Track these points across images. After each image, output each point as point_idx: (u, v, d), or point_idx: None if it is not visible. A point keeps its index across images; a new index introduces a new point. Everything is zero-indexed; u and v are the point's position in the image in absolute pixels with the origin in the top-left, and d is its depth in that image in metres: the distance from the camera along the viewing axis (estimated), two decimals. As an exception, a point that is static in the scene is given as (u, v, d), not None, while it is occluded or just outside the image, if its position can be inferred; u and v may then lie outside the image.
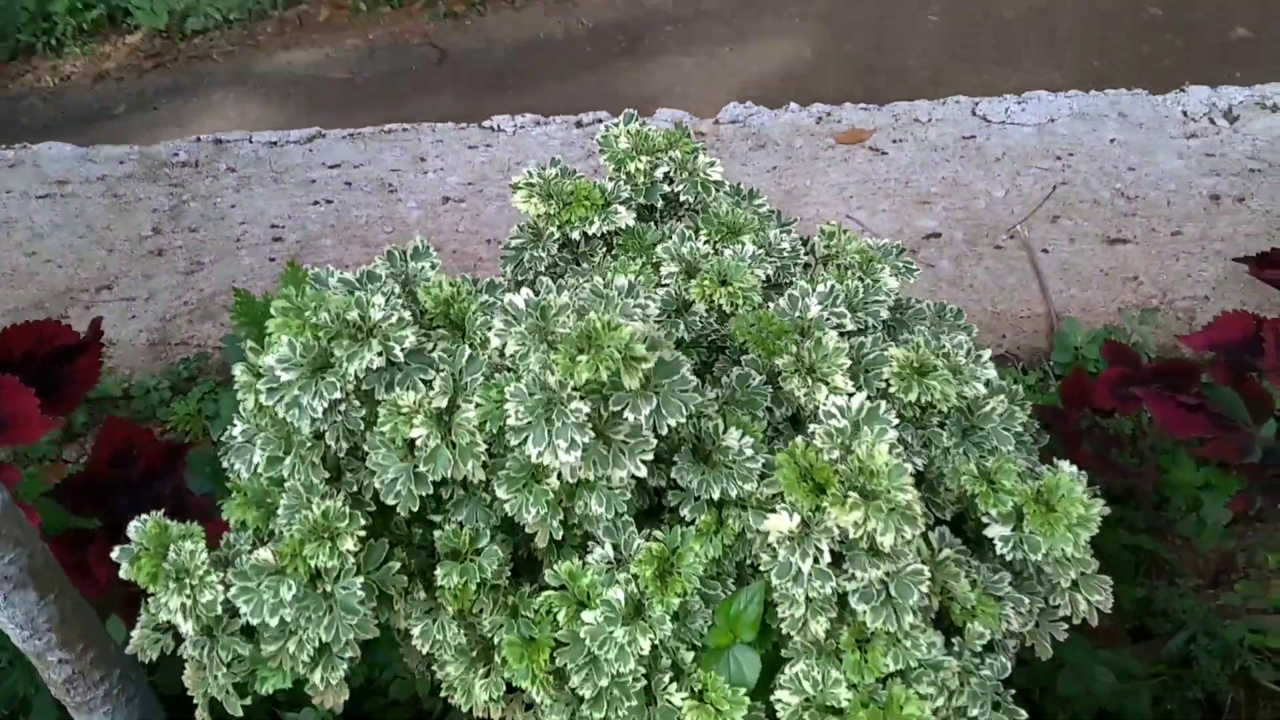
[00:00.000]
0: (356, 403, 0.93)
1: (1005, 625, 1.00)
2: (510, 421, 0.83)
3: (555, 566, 0.96)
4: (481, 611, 1.00)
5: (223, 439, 1.01)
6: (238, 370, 0.98)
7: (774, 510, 0.92)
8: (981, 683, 0.99)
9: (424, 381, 0.91)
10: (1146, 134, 2.99)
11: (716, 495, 0.94)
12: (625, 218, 1.09)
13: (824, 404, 0.92)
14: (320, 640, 0.94)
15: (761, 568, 0.92)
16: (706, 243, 1.10)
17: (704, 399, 0.95)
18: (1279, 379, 1.66)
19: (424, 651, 1.01)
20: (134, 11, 4.21)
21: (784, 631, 0.96)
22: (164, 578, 0.95)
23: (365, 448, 0.92)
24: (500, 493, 0.91)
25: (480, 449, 0.89)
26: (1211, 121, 3.03)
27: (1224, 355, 1.77)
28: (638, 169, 1.12)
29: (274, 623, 0.93)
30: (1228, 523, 2.02)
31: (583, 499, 0.91)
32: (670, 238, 1.10)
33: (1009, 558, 0.98)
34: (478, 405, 0.89)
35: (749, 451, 0.94)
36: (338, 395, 0.90)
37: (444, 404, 0.90)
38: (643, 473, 0.88)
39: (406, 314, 0.92)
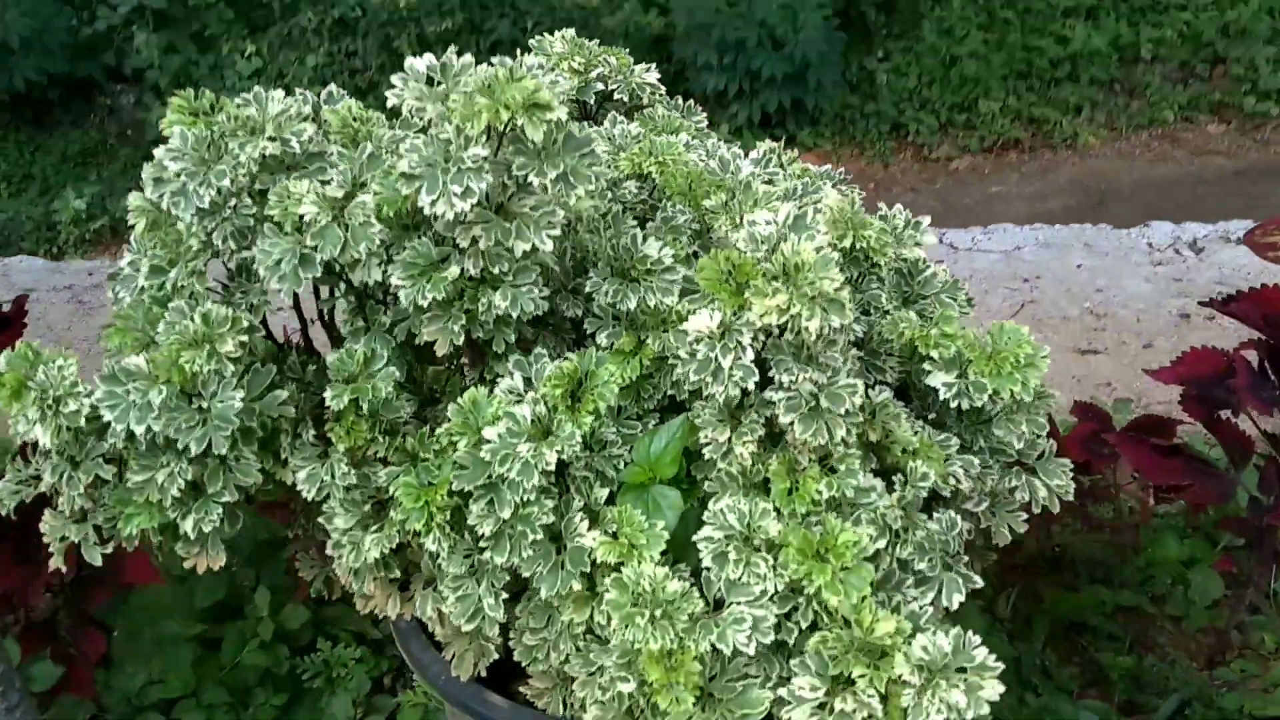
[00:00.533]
0: (249, 201, 0.87)
1: (954, 483, 0.91)
2: (402, 168, 0.77)
3: (459, 400, 0.87)
4: (375, 454, 0.91)
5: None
6: (133, 199, 0.93)
7: (697, 329, 0.85)
8: (929, 536, 0.89)
9: (322, 183, 0.85)
10: (1113, 261, 3.04)
11: (633, 305, 0.87)
12: (558, 112, 1.07)
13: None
14: (189, 463, 0.85)
15: (678, 371, 0.83)
16: (639, 133, 1.07)
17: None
18: (1252, 401, 1.59)
19: (310, 497, 0.90)
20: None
21: (706, 456, 0.87)
22: (27, 394, 0.87)
23: (255, 254, 0.85)
24: (396, 278, 0.83)
25: (375, 231, 0.82)
26: (1177, 252, 3.08)
27: (1195, 390, 1.71)
28: (573, 68, 1.11)
29: (141, 430, 0.83)
30: (1217, 599, 1.90)
31: (485, 297, 0.84)
32: (600, 125, 1.07)
33: (953, 404, 0.90)
34: (375, 192, 0.83)
35: (668, 261, 0.88)
36: (227, 183, 0.85)
37: (340, 195, 0.84)
38: (548, 246, 0.81)
39: (308, 109, 0.88)
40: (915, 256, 0.97)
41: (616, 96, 1.11)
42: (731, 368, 0.81)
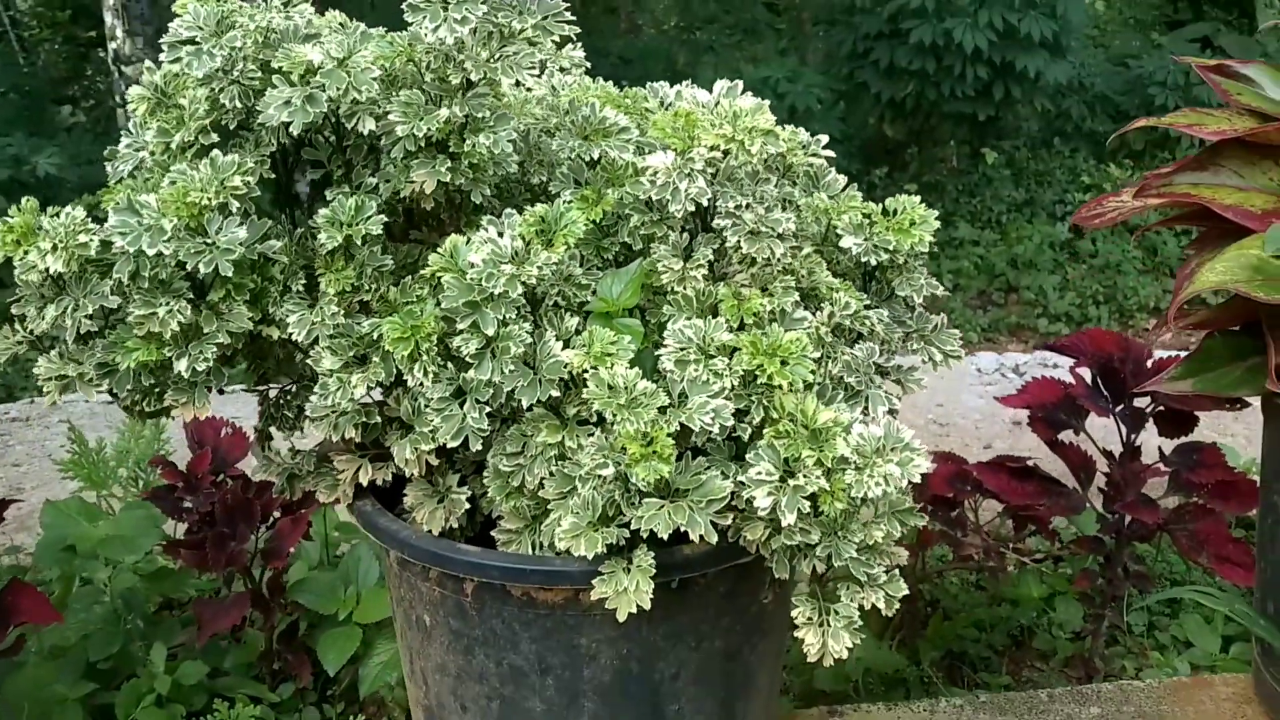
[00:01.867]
0: (254, 67, 0.98)
1: (869, 324, 1.06)
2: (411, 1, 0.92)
3: (438, 249, 0.98)
4: (360, 301, 0.99)
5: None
6: (133, 91, 1.03)
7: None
8: (854, 358, 1.03)
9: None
10: (949, 383, 3.33)
11: (596, 155, 1.01)
12: None
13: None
14: (188, 303, 0.92)
15: (634, 220, 0.97)
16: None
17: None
18: (1091, 405, 1.80)
19: (300, 338, 0.98)
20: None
21: (665, 285, 0.99)
22: (37, 235, 0.93)
23: (262, 105, 0.96)
24: (394, 116, 0.95)
25: (373, 76, 0.95)
26: (1002, 375, 3.41)
27: (1041, 413, 1.92)
28: None
29: (152, 252, 0.90)
30: (1079, 630, 2.05)
31: (471, 138, 0.97)
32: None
33: (863, 260, 1.06)
34: (374, 49, 0.96)
35: (624, 123, 1.03)
36: (239, 45, 0.96)
37: (341, 55, 0.96)
38: (528, 83, 0.95)
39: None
40: (820, 163, 1.15)
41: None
42: (687, 188, 0.95)
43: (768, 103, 0.99)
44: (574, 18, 1.01)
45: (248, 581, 1.77)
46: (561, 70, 1.25)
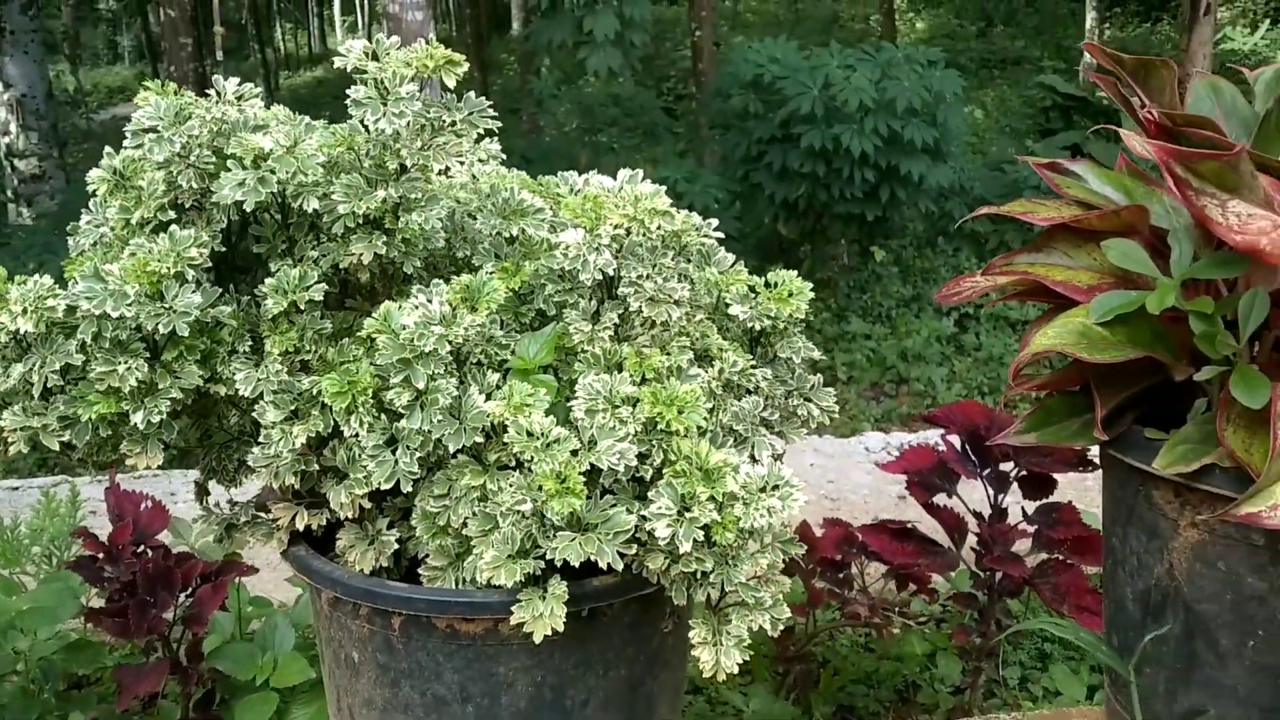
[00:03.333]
0: (209, 152, 1.10)
1: (755, 381, 1.20)
2: (355, 97, 1.05)
3: (373, 314, 1.11)
4: (301, 361, 1.11)
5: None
6: (94, 173, 1.14)
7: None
8: (742, 409, 1.17)
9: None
10: (838, 461, 3.52)
11: (515, 232, 1.14)
12: (463, 67, 1.37)
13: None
14: (145, 362, 1.02)
15: (548, 289, 1.11)
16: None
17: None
18: (960, 468, 1.98)
19: (246, 393, 1.08)
20: None
21: (576, 346, 1.13)
22: (6, 300, 1.02)
23: (216, 186, 1.08)
24: (336, 197, 1.08)
25: (319, 162, 1.07)
26: (889, 454, 3.60)
27: (917, 478, 2.09)
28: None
29: (115, 314, 1.01)
30: (958, 684, 2.20)
31: (405, 216, 1.10)
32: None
33: (750, 325, 1.21)
34: (319, 138, 1.09)
35: (540, 204, 1.17)
36: (195, 133, 1.08)
37: (289, 143, 1.09)
38: (457, 167, 1.09)
39: (259, 89, 1.14)
40: (710, 243, 1.31)
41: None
42: (595, 260, 1.10)
43: (664, 188, 1.14)
44: (495, 114, 1.16)
45: (167, 650, 1.82)
46: (480, 160, 1.40)
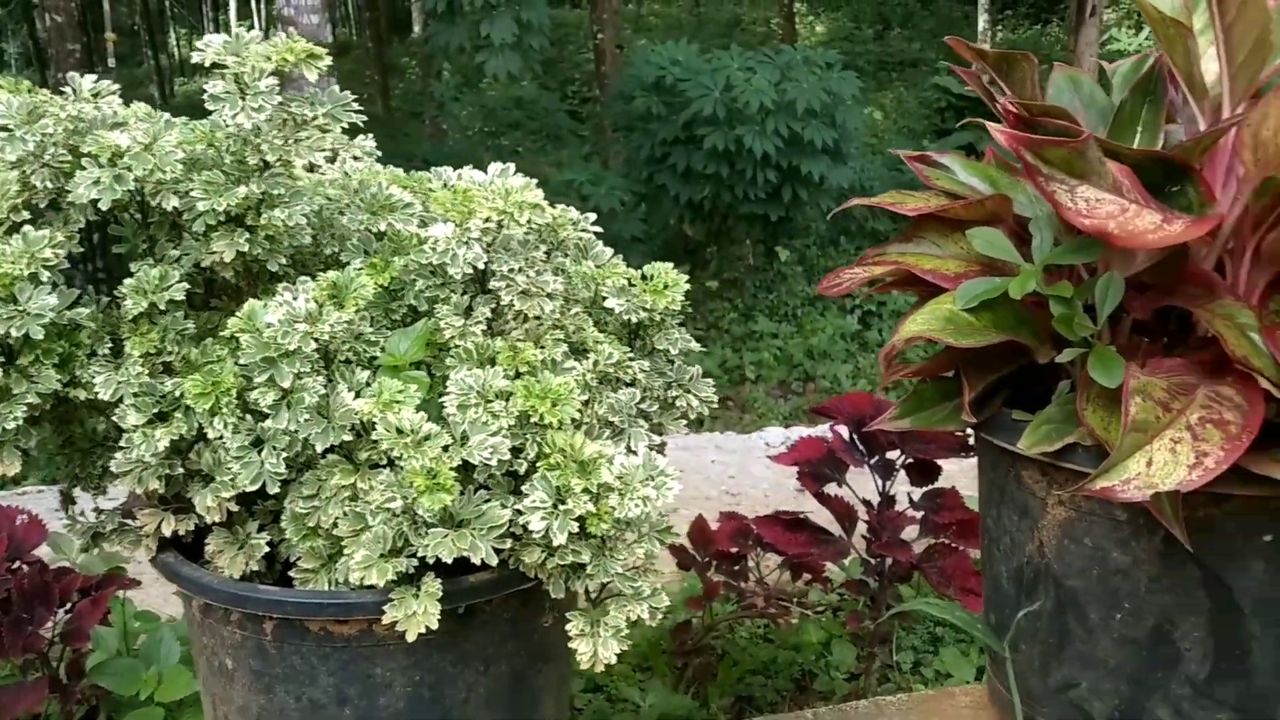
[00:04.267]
0: (64, 151, 1.07)
1: (632, 373, 1.21)
2: (213, 92, 1.03)
3: (237, 314, 1.09)
4: (163, 363, 1.08)
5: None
6: (-60, 174, 1.10)
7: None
8: (618, 401, 1.17)
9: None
10: (739, 456, 3.55)
11: (383, 228, 1.13)
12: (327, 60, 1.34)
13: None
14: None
15: (423, 266, 1.10)
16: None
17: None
18: (848, 457, 2.01)
19: (106, 397, 1.05)
20: None
21: (448, 342, 1.12)
22: None
23: (71, 185, 1.05)
24: (196, 194, 1.05)
25: (178, 159, 1.05)
26: (788, 447, 3.64)
27: (808, 469, 2.12)
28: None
29: (-38, 316, 0.97)
30: (854, 671, 2.23)
31: (268, 213, 1.08)
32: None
33: (627, 318, 1.22)
34: (178, 134, 1.07)
35: (408, 198, 1.16)
36: (49, 131, 1.05)
37: (147, 140, 1.07)
38: (320, 161, 1.07)
39: (116, 87, 1.11)
40: (588, 237, 1.31)
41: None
42: (465, 254, 1.09)
43: (535, 181, 1.14)
44: (361, 109, 1.15)
45: (47, 669, 1.76)
46: (355, 158, 1.38)
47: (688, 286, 1.25)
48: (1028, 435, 1.24)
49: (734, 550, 2.19)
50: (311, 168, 1.36)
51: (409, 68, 12.85)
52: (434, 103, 8.14)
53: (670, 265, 1.26)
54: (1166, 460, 1.08)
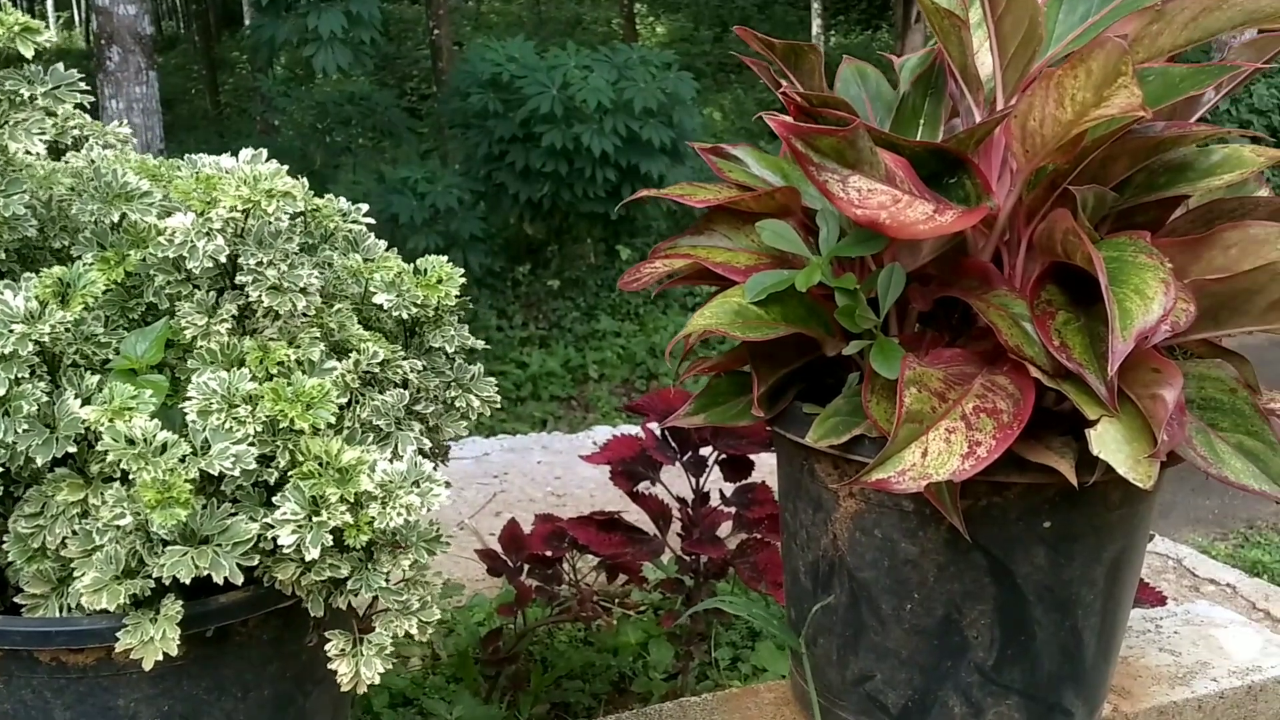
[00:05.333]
0: None
1: (402, 373, 1.14)
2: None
3: (-51, 314, 0.97)
4: None
5: None
6: None
7: (175, 246, 1.04)
8: (384, 404, 1.10)
9: None
10: (566, 457, 3.50)
11: (118, 218, 1.04)
12: (49, 34, 1.23)
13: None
14: None
15: (164, 260, 1.01)
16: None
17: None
18: (659, 455, 1.98)
19: None
20: None
21: (191, 342, 1.03)
22: None
23: None
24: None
25: None
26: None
27: (621, 467, 2.08)
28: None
29: None
30: (671, 670, 2.20)
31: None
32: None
33: (397, 314, 1.15)
34: None
35: (147, 187, 1.06)
36: None
37: None
38: (39, 149, 0.97)
39: None
40: (360, 229, 1.24)
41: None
42: (205, 246, 1.01)
43: (286, 168, 1.06)
44: (88, 88, 1.05)
45: None
46: (106, 146, 1.27)
47: (463, 281, 1.19)
48: (817, 428, 1.23)
49: (548, 554, 2.13)
50: (58, 155, 1.25)
51: (239, 62, 12.40)
52: (263, 99, 7.85)
53: (444, 259, 1.19)
54: (941, 450, 1.07)
